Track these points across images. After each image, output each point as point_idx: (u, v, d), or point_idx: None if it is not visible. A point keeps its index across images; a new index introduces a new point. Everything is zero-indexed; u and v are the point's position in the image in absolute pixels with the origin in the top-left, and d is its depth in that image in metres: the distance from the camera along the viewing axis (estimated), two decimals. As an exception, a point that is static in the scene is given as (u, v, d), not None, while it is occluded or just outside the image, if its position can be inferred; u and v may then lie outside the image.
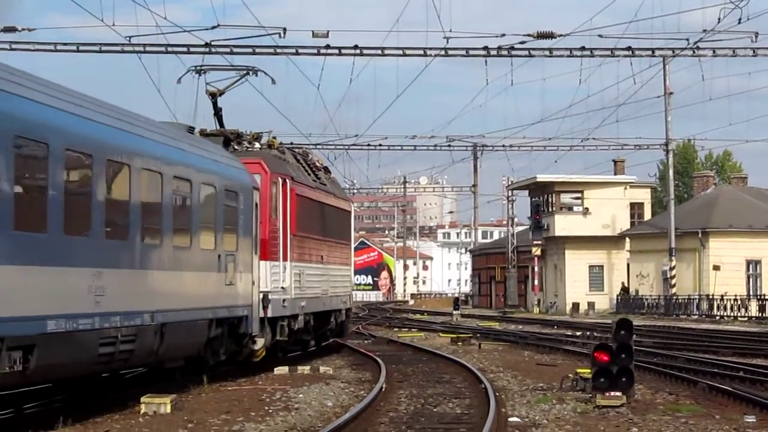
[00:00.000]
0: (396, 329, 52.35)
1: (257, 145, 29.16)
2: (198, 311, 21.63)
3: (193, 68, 31.48)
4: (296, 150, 34.48)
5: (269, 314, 26.45)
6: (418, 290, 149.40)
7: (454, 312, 67.15)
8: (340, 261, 34.90)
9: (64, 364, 16.44)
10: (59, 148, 15.90)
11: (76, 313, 16.22)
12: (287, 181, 27.81)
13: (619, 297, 77.82)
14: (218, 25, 45.93)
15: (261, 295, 26.01)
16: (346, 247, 36.50)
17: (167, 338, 19.74)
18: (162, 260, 19.73)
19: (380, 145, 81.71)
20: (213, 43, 47.80)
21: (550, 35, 47.96)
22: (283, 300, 27.40)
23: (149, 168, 19.14)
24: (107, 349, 17.43)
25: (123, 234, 18.07)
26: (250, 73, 31.33)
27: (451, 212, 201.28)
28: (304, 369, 27.16)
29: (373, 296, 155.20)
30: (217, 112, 30.99)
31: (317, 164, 35.01)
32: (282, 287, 27.23)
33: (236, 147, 28.23)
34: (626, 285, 78.71)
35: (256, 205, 25.41)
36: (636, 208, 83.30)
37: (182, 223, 20.76)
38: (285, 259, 27.56)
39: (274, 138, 30.80)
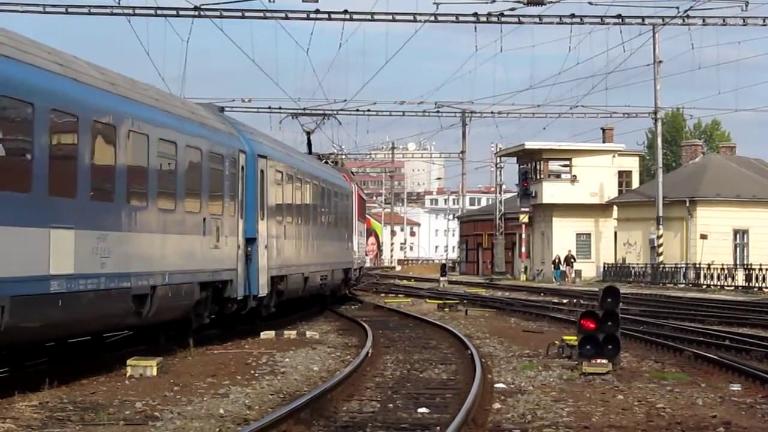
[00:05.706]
0: (383, 295, 52.41)
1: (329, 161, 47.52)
2: (340, 263, 40.73)
3: (290, 115, 53.41)
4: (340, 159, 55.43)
5: (354, 267, 46.04)
6: (405, 256, 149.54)
7: (441, 278, 67.20)
8: (362, 234, 53.01)
9: (311, 288, 34.09)
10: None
11: (316, 263, 34.72)
12: (356, 186, 46.86)
13: (557, 265, 77.30)
14: (208, -12, 45.59)
15: None
16: (362, 224, 53.74)
17: (333, 278, 38.56)
18: (329, 235, 37.84)
19: (369, 110, 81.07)
20: (202, 7, 47.46)
21: (540, 2, 47.65)
22: (358, 259, 47.74)
23: (329, 189, 37.75)
24: (320, 282, 35.38)
25: (323, 224, 36.62)
26: (326, 117, 53.03)
27: (439, 178, 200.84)
28: (291, 334, 27.19)
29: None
30: (310, 143, 52.93)
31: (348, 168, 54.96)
32: (355, 251, 46.35)
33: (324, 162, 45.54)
34: (572, 255, 77.99)
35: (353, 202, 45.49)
36: (624, 176, 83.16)
37: (335, 215, 39.32)
38: (355, 234, 46.20)
39: (337, 155, 51.55)
